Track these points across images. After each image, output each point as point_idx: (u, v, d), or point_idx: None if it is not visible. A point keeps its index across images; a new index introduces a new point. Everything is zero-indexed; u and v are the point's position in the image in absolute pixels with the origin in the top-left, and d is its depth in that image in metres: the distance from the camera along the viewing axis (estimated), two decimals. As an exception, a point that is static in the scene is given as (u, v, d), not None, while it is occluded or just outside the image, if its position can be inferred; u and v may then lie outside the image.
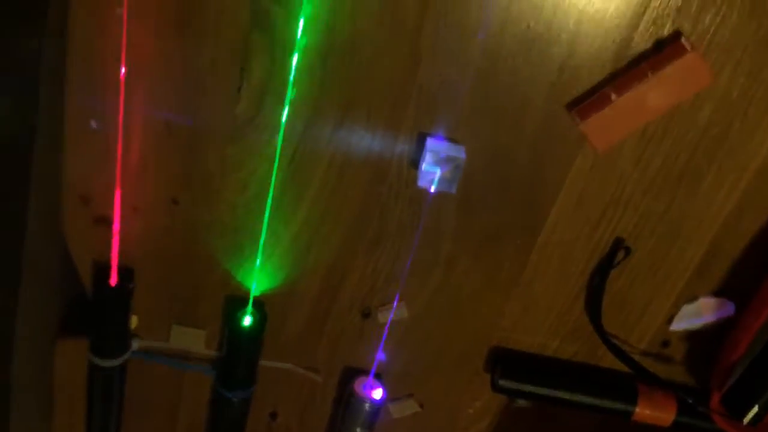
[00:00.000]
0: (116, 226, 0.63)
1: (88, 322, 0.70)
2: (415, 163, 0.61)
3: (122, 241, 0.65)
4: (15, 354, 0.67)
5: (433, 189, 0.60)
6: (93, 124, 0.60)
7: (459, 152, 0.59)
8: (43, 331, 0.73)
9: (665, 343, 0.71)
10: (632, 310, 0.69)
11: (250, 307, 0.68)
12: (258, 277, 0.67)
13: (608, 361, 0.72)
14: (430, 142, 0.59)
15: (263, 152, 0.61)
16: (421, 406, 0.77)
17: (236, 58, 0.57)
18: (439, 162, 0.59)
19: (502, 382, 0.70)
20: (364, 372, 0.74)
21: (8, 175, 0.60)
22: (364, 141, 0.60)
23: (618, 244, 0.65)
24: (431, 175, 0.59)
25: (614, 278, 0.67)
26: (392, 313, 0.69)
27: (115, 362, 0.69)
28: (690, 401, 0.69)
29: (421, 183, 0.60)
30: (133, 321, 0.70)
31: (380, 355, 0.72)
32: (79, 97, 0.59)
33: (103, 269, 0.66)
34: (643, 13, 0.54)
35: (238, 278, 0.68)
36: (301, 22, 0.55)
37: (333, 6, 0.54)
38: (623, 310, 0.69)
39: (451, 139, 0.60)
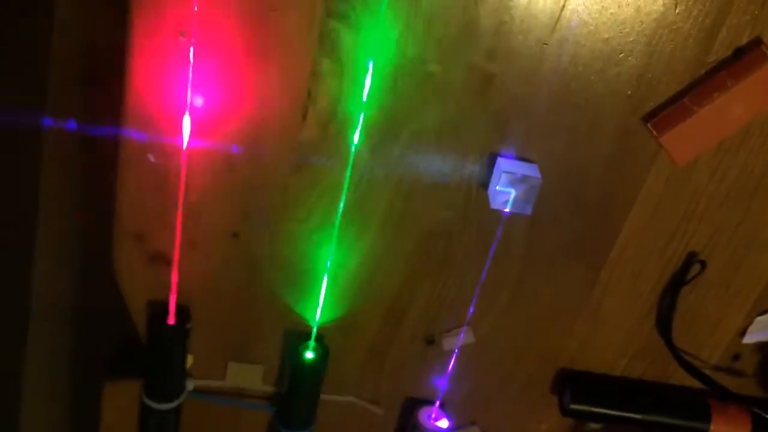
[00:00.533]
0: (176, 263, 0.60)
1: (139, 363, 0.67)
2: (486, 185, 0.59)
3: (179, 279, 0.62)
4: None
5: (507, 210, 0.58)
6: (151, 158, 0.57)
7: (534, 171, 0.57)
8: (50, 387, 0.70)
9: (736, 357, 0.70)
10: (703, 325, 0.68)
11: (312, 342, 0.65)
12: (320, 310, 0.65)
13: (678, 377, 0.71)
14: (502, 163, 0.57)
15: (327, 181, 0.59)
16: (485, 433, 0.74)
17: (302, 83, 0.55)
18: (514, 182, 0.57)
19: (573, 406, 0.68)
20: (426, 401, 0.71)
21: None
22: (432, 164, 0.58)
23: (691, 259, 0.64)
24: (506, 196, 0.57)
25: (685, 293, 0.65)
26: (460, 339, 0.66)
27: (170, 405, 0.66)
28: (766, 415, 0.67)
29: (495, 205, 0.58)
30: (188, 360, 0.67)
31: (445, 384, 0.69)
32: (136, 131, 0.56)
33: (158, 309, 0.63)
34: (722, 21, 0.53)
35: (299, 311, 0.66)
36: (370, 45, 0.53)
37: (403, 28, 0.53)
38: (694, 325, 0.68)
39: (523, 159, 0.58)
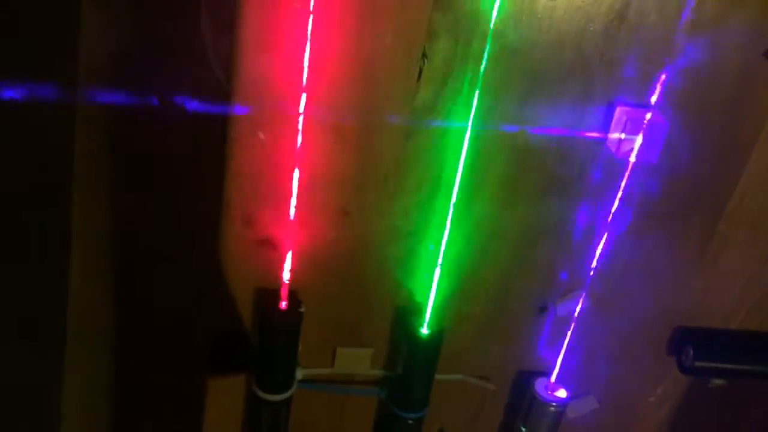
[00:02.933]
0: (288, 246, 0.58)
1: (243, 356, 0.65)
2: (605, 138, 0.57)
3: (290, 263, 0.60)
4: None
5: (632, 159, 0.56)
6: (261, 135, 0.55)
7: (658, 117, 0.55)
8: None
9: None
10: (824, 269, 0.66)
11: (428, 317, 0.63)
12: (435, 284, 0.62)
13: (797, 327, 0.69)
14: (624, 110, 0.55)
15: (441, 145, 0.57)
16: (600, 401, 0.72)
17: (417, 43, 0.53)
18: (639, 129, 0.55)
19: (698, 364, 0.66)
20: (538, 373, 0.69)
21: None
22: (549, 118, 0.56)
23: (813, 199, 0.62)
24: (630, 144, 0.55)
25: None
26: (578, 302, 0.64)
27: (284, 395, 0.64)
28: None
29: (619, 155, 0.56)
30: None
31: (560, 352, 0.67)
32: (248, 107, 0.54)
33: (268, 295, 0.61)
34: None
35: (410, 287, 0.64)
36: (490, -4, 0.51)
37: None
38: (814, 269, 0.66)
39: (643, 105, 0.56)
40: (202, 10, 0.51)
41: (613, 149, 0.56)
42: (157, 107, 0.53)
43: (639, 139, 0.55)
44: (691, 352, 0.66)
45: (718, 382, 0.68)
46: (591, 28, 0.53)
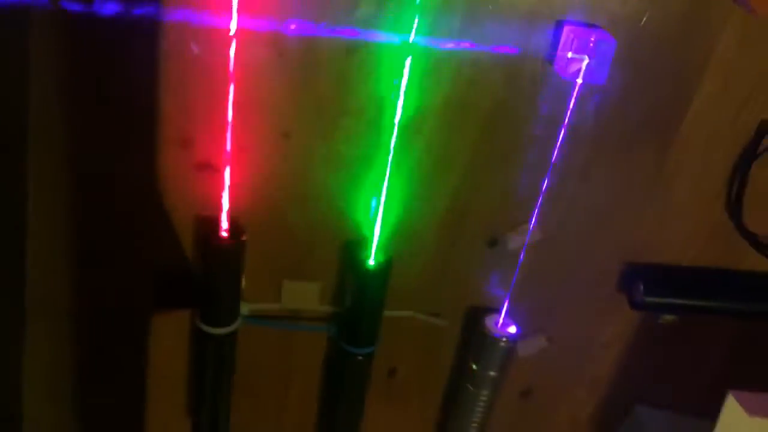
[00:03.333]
0: (227, 168, 0.56)
1: (187, 292, 0.64)
2: (553, 59, 0.56)
3: (229, 188, 0.58)
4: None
5: (580, 81, 0.55)
6: (194, 48, 0.53)
7: (605, 36, 0.54)
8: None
9: (808, 235, 0.67)
10: (775, 202, 0.65)
11: (375, 248, 0.61)
12: (381, 213, 0.61)
13: (749, 263, 0.68)
14: (571, 28, 0.54)
15: (384, 64, 0.55)
16: (550, 340, 0.71)
17: (358, -46, 0.51)
18: (586, 48, 0.53)
19: (648, 299, 0.65)
20: (490, 309, 0.68)
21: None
22: (495, 35, 0.55)
23: (763, 129, 0.61)
24: (578, 64, 0.54)
25: (756, 169, 0.63)
26: (528, 235, 0.63)
27: (227, 329, 0.62)
28: None
29: (565, 75, 0.55)
30: (242, 282, 0.63)
31: (510, 288, 0.66)
32: (176, 14, 0.52)
33: (209, 223, 0.59)
34: None
35: (356, 218, 0.62)
36: None
37: None
38: (764, 202, 0.65)
39: (591, 25, 0.55)
40: None
41: (561, 70, 0.55)
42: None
43: (586, 59, 0.53)
44: (641, 287, 0.65)
45: (668, 318, 0.67)
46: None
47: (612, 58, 0.53)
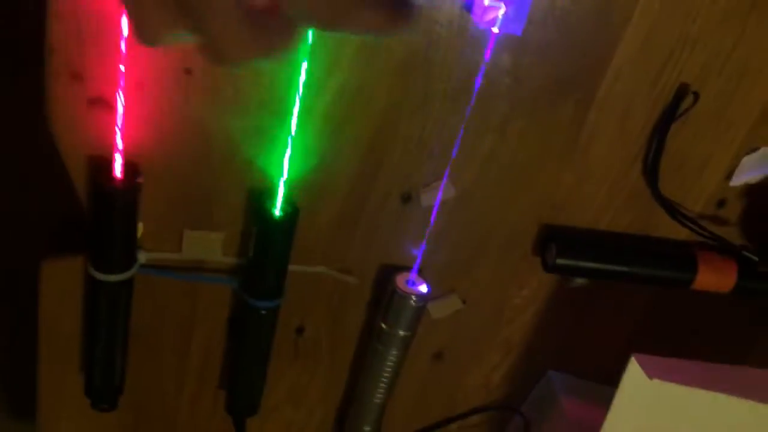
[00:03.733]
0: (120, 105, 0.53)
1: (81, 233, 0.60)
2: (469, 5, 0.53)
3: (124, 127, 0.54)
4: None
5: (496, 30, 0.53)
6: (86, -29, 0.49)
7: None
8: None
9: (721, 203, 0.67)
10: (691, 169, 0.65)
11: (281, 197, 0.59)
12: (287, 161, 0.58)
13: (663, 230, 0.68)
14: None
15: None
16: (464, 302, 0.70)
17: None
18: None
19: (559, 261, 0.64)
20: (402, 268, 0.66)
21: None
22: (412, -20, 0.52)
23: (683, 91, 0.60)
24: (494, 12, 0.52)
25: (674, 133, 0.62)
26: (440, 192, 0.61)
27: (121, 276, 0.59)
28: (755, 259, 0.65)
29: (481, 24, 0.52)
30: (138, 229, 0.60)
31: (423, 245, 0.64)
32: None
33: (102, 163, 0.56)
34: None
35: (262, 166, 0.59)
36: None
37: None
38: (681, 169, 0.65)
39: (511, -28, 0.53)
40: None
41: (478, 18, 0.52)
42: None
43: (503, 8, 0.51)
44: (554, 249, 0.64)
45: (579, 281, 0.67)
46: None
47: (529, 7, 0.52)
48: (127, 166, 0.56)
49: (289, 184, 0.59)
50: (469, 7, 0.53)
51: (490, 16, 0.52)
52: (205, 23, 0.28)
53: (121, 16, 0.50)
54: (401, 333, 0.66)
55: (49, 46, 0.51)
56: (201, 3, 0.27)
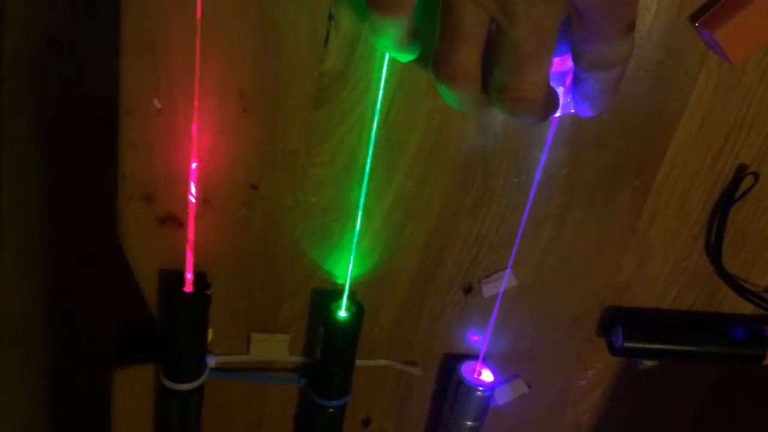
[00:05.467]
0: (191, 223, 0.54)
1: (151, 345, 0.61)
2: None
3: (193, 241, 0.56)
4: None
5: (557, 114, 0.53)
6: (156, 103, 0.51)
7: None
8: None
9: (787, 277, 0.66)
10: (754, 245, 0.64)
11: (346, 298, 0.59)
12: (351, 263, 0.59)
13: (729, 305, 0.67)
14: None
15: (353, 115, 0.53)
16: (529, 386, 0.70)
17: (322, 3, 0.49)
18: (563, 78, 0.51)
19: (626, 344, 0.64)
20: (466, 357, 0.66)
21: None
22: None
23: (741, 172, 0.60)
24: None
25: (735, 212, 0.62)
26: (503, 283, 0.62)
27: (192, 385, 0.60)
28: (827, 334, 0.64)
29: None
30: (208, 335, 0.61)
31: (486, 335, 0.64)
32: (137, 73, 0.50)
33: (172, 277, 0.57)
34: None
35: (326, 268, 0.60)
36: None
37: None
38: (744, 246, 0.64)
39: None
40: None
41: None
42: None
43: (561, 88, 0.51)
44: (621, 332, 0.64)
45: (648, 363, 0.66)
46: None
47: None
48: (197, 277, 0.57)
49: (352, 284, 0.60)
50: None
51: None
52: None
53: (190, 144, 0.52)
54: (469, 423, 0.66)
55: (122, 173, 0.53)
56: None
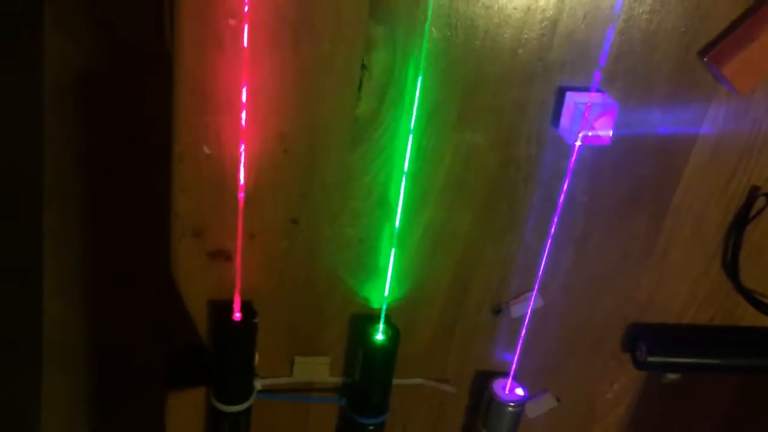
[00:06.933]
0: (239, 258, 0.59)
1: (200, 369, 0.66)
2: (550, 128, 0.58)
3: (241, 273, 0.60)
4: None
5: (577, 144, 0.56)
6: (206, 149, 0.56)
7: (608, 99, 0.55)
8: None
9: (804, 291, 0.69)
10: (769, 261, 0.67)
11: (383, 322, 0.63)
12: (387, 289, 0.63)
13: (749, 318, 0.70)
14: (572, 94, 0.56)
15: (385, 153, 0.58)
16: (558, 399, 0.73)
17: (356, 54, 0.53)
18: (587, 111, 0.54)
19: (651, 359, 0.67)
20: (497, 374, 0.70)
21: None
22: (490, 120, 0.57)
23: (754, 194, 0.63)
24: (578, 129, 0.55)
25: (750, 230, 0.65)
26: (531, 304, 0.65)
27: (242, 406, 0.64)
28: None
29: (570, 140, 0.56)
30: (255, 359, 0.65)
31: (516, 353, 0.68)
32: (189, 123, 0.54)
33: (221, 307, 0.62)
34: (771, -55, 0.53)
35: (363, 294, 0.64)
36: (428, 8, 0.52)
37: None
38: (761, 262, 0.67)
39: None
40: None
41: (565, 134, 0.56)
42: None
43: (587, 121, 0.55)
44: (644, 347, 0.67)
45: (672, 376, 0.69)
46: (526, 36, 0.54)
47: (614, 120, 0.55)
48: (244, 306, 0.61)
49: (388, 309, 0.64)
50: (544, 138, 0.58)
51: (575, 131, 0.55)
52: None
53: (236, 184, 0.56)
54: (501, 437, 0.69)
55: (175, 212, 0.58)
56: None
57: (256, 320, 0.62)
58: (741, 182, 0.63)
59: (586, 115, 0.54)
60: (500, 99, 0.56)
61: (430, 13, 0.52)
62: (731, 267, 0.66)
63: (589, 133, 0.55)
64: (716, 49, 0.55)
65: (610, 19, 0.54)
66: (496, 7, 0.53)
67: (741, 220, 0.64)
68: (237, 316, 0.61)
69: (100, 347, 0.72)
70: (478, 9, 0.53)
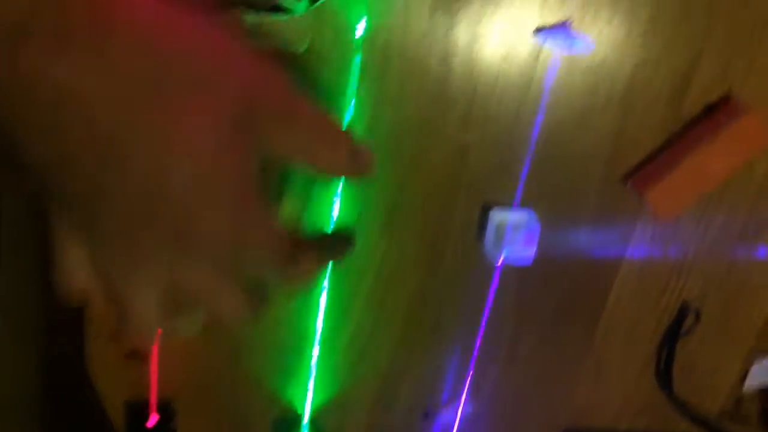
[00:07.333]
0: (155, 359, 0.58)
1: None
2: (472, 246, 0.57)
3: (158, 374, 0.59)
4: None
5: (500, 263, 0.56)
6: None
7: (532, 219, 0.55)
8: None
9: (738, 402, 0.68)
10: (703, 374, 0.66)
11: (305, 428, 0.62)
12: (311, 394, 0.62)
13: (683, 429, 0.69)
14: (496, 213, 0.55)
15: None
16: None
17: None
18: (510, 231, 0.54)
19: (580, 470, 0.66)
20: (426, 478, 0.68)
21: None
22: (417, 227, 0.57)
23: (685, 310, 0.62)
24: (503, 246, 0.55)
25: (683, 344, 0.64)
26: (460, 409, 0.64)
27: None
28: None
29: (493, 258, 0.56)
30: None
31: (445, 458, 0.67)
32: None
33: (138, 409, 0.60)
34: (691, 78, 0.53)
35: (287, 398, 0.63)
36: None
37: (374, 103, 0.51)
38: (693, 374, 0.66)
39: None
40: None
41: (489, 253, 0.56)
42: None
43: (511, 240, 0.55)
44: (575, 458, 0.66)
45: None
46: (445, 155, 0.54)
47: (537, 239, 0.54)
48: (162, 408, 0.60)
49: (313, 413, 0.63)
50: (471, 248, 0.57)
51: (498, 250, 0.55)
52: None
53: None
54: None
55: (89, 316, 0.57)
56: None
57: (172, 425, 0.61)
58: (672, 297, 0.62)
59: (506, 235, 0.54)
60: (427, 205, 0.56)
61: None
62: (665, 378, 0.65)
63: (511, 253, 0.55)
64: (639, 174, 0.55)
65: (529, 143, 0.54)
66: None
67: (673, 335, 0.63)
68: (152, 421, 0.59)
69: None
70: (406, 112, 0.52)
